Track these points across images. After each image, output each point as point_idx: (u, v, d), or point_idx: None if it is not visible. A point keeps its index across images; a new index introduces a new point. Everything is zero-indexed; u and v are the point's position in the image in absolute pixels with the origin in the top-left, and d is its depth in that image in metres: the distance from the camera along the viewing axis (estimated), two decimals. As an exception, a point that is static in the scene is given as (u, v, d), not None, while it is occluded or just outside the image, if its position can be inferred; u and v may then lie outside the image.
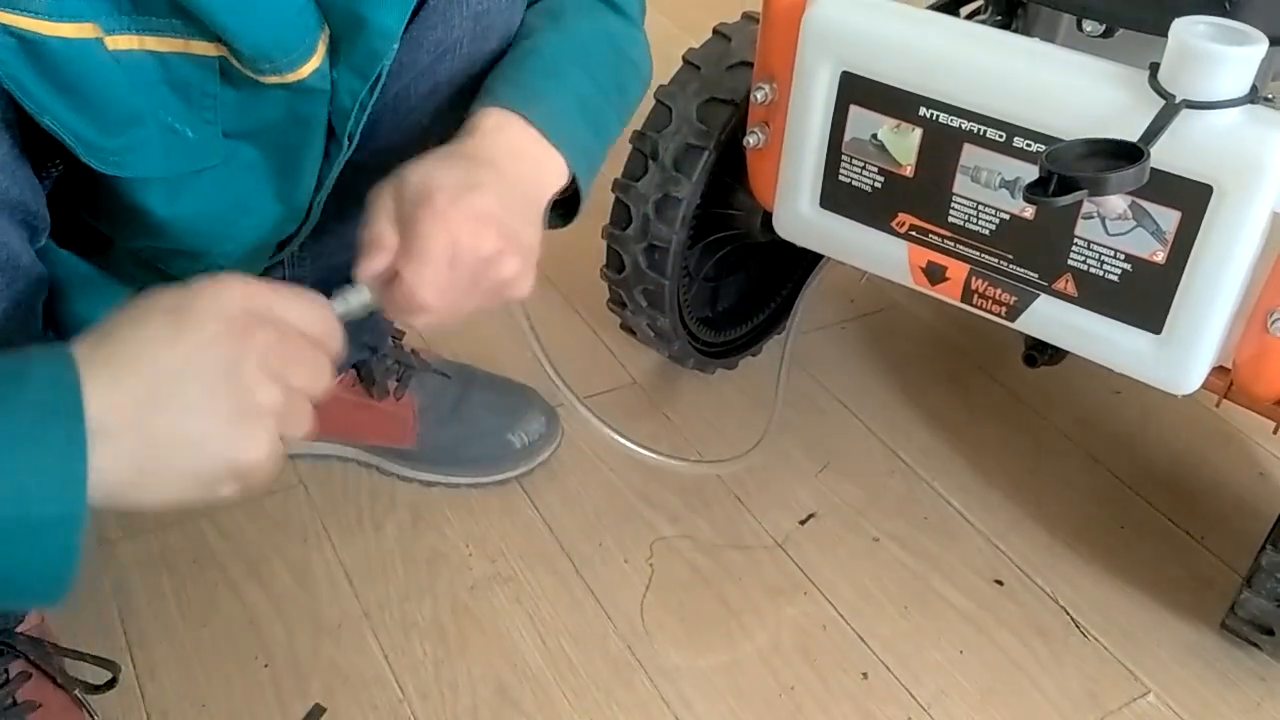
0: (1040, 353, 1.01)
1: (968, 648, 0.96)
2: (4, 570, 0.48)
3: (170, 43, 0.61)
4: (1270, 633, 0.87)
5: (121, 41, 0.59)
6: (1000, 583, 1.02)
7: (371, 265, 0.61)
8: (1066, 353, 0.97)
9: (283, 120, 0.68)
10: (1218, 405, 0.97)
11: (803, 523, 1.07)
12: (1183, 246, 0.76)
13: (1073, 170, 0.68)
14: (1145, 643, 0.97)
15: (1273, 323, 0.76)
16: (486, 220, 0.61)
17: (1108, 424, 1.21)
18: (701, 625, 0.96)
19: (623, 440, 0.98)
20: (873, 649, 0.95)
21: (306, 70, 0.65)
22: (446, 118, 0.79)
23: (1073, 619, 0.99)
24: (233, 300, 0.51)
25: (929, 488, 1.11)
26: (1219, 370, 0.93)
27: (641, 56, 0.84)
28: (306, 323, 0.54)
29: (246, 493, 0.53)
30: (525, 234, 0.65)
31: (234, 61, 0.63)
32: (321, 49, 0.65)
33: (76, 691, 0.84)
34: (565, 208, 0.75)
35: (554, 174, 0.71)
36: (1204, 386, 0.97)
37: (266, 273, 0.89)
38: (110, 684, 0.85)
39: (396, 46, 0.67)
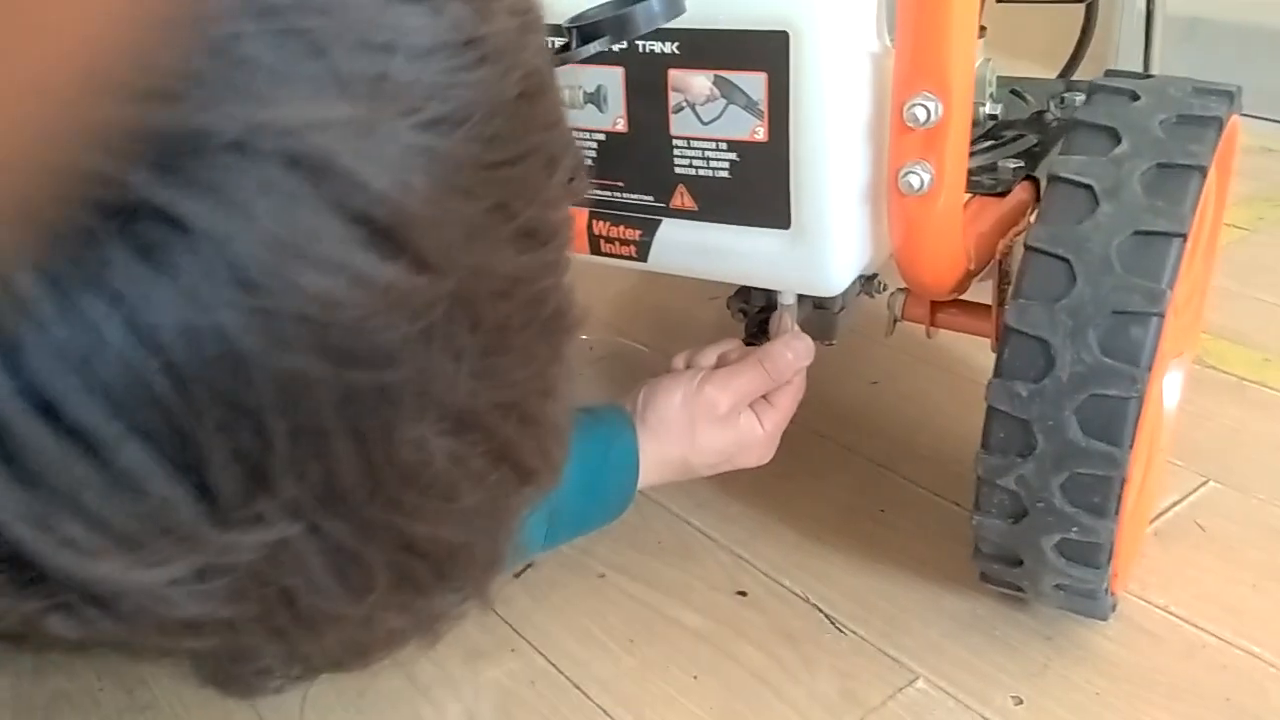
0: (748, 305, 0.89)
1: (702, 671, 0.80)
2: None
3: None
4: (1019, 563, 0.72)
5: None
6: (743, 593, 0.87)
7: None
8: (774, 303, 0.84)
9: None
10: (929, 336, 0.85)
11: (518, 575, 0.90)
12: (779, 114, 0.65)
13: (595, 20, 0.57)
14: (911, 625, 0.82)
15: (903, 178, 0.65)
16: None
17: (865, 414, 1.08)
18: (382, 710, 0.79)
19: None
20: (589, 695, 0.79)
21: None
22: None
23: (826, 615, 0.84)
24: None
25: (663, 510, 0.96)
26: (911, 297, 0.82)
27: None
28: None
29: None
30: None
31: None
32: None
33: None
34: None
35: None
36: (906, 318, 0.86)
37: None
38: None
39: None
